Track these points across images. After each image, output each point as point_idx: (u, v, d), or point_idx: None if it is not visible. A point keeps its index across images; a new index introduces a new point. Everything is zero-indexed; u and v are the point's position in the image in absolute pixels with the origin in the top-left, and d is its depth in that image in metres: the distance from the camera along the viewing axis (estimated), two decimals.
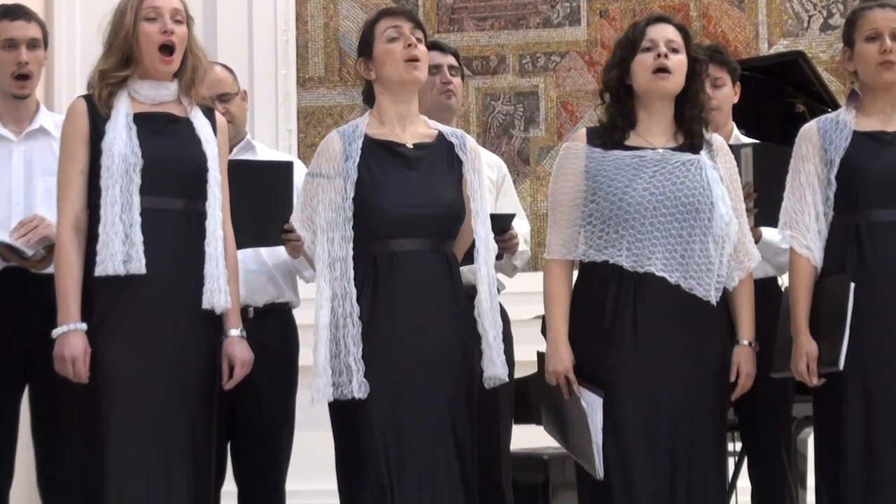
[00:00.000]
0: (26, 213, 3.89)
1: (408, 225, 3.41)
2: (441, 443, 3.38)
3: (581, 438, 3.43)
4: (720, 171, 3.48)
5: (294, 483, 4.22)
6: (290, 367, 4.12)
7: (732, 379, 3.47)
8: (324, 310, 3.37)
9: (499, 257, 3.76)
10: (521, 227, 4.08)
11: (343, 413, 3.40)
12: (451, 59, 4.18)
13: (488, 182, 4.13)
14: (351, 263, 3.39)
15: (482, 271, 3.48)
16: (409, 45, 3.45)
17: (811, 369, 3.45)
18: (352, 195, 3.41)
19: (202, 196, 3.49)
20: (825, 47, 6.07)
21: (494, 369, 3.45)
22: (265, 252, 4.05)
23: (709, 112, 3.67)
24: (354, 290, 3.37)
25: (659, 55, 3.44)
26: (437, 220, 3.44)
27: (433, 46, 4.18)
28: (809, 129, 3.57)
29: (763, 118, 4.40)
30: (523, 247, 4.05)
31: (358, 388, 3.33)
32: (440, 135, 3.55)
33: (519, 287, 4.26)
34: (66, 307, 3.40)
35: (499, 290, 4.12)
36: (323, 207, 3.43)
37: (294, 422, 4.13)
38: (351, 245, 3.39)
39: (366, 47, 3.53)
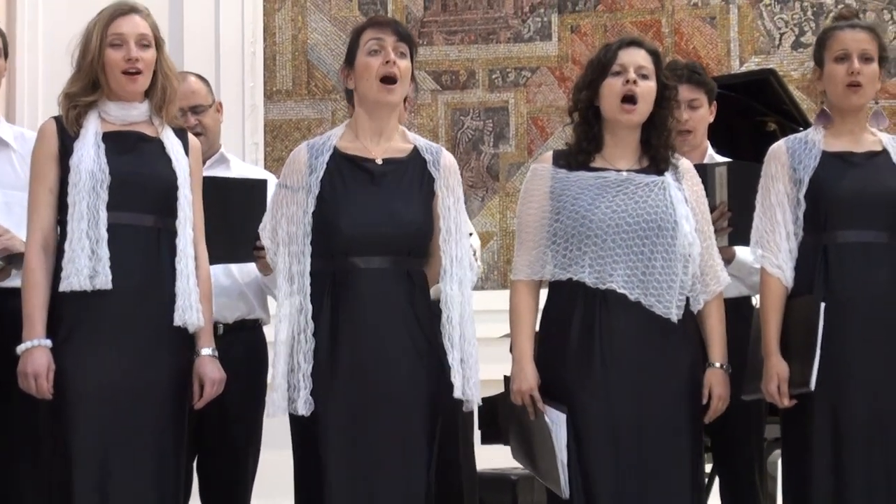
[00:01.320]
0: None
1: (365, 243, 3.38)
2: (394, 462, 3.35)
3: (546, 458, 3.42)
4: (685, 193, 3.49)
5: (259, 501, 4.17)
6: (258, 384, 4.09)
7: (704, 401, 3.46)
8: (282, 324, 3.37)
9: None
10: (472, 242, 4.05)
11: (298, 428, 3.39)
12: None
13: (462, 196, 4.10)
14: (308, 279, 3.37)
15: (449, 290, 3.43)
16: (388, 62, 3.41)
17: (782, 390, 3.45)
18: (312, 209, 3.39)
19: (172, 214, 3.48)
20: (797, 65, 6.08)
21: (459, 392, 3.40)
22: (235, 268, 4.03)
23: (678, 136, 3.70)
24: (310, 307, 3.35)
25: (628, 81, 3.45)
26: (395, 239, 3.40)
27: None
28: (778, 148, 3.59)
29: (734, 136, 4.39)
30: (476, 262, 4.01)
31: (303, 404, 3.32)
32: (415, 150, 3.51)
33: (487, 305, 4.23)
34: (32, 324, 3.39)
35: None
36: (286, 220, 3.42)
37: (260, 439, 4.09)
38: (308, 260, 3.38)
39: (350, 55, 3.50)
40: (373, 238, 3.38)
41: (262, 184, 3.89)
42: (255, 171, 4.47)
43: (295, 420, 3.38)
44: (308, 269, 3.37)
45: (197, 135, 3.93)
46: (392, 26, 3.49)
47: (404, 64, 3.44)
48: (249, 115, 6.31)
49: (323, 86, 6.36)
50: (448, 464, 3.95)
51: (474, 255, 4.01)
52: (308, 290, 3.36)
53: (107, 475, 3.35)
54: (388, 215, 3.40)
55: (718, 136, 4.15)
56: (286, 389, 3.34)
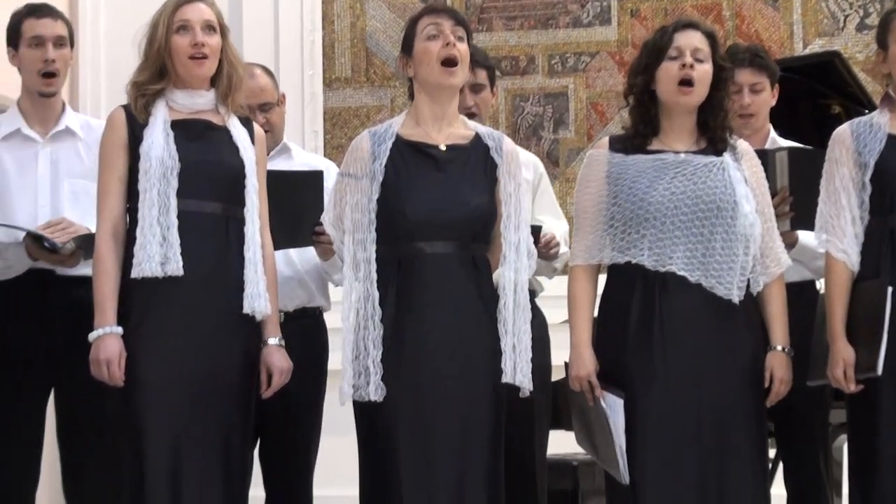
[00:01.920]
0: (52, 215, 3.88)
1: (430, 227, 3.39)
2: (463, 447, 3.35)
3: (605, 443, 3.42)
4: (745, 174, 3.48)
5: (322, 488, 4.19)
6: (319, 372, 4.11)
7: (766, 385, 3.44)
8: (350, 312, 3.38)
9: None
10: (559, 228, 4.07)
11: (365, 416, 3.39)
12: (475, 77, 4.10)
13: (524, 182, 4.10)
14: (374, 266, 3.38)
15: (507, 277, 3.43)
16: (448, 45, 3.42)
17: (848, 375, 3.42)
18: (376, 196, 3.40)
19: (240, 202, 3.51)
20: (861, 47, 6.00)
21: (509, 377, 3.40)
22: (296, 257, 4.05)
23: (740, 119, 3.71)
24: (377, 293, 3.36)
25: (684, 65, 3.43)
26: (461, 224, 3.41)
27: None
28: (842, 132, 3.55)
29: (798, 119, 4.35)
30: (563, 248, 4.00)
31: (374, 390, 3.32)
32: (477, 137, 3.52)
33: (552, 291, 4.21)
34: (103, 311, 3.42)
35: (536, 293, 4.10)
36: (350, 208, 3.43)
37: (321, 426, 4.10)
38: (374, 247, 3.38)
39: (407, 44, 3.51)
40: (439, 222, 3.38)
41: (318, 174, 3.92)
42: (317, 159, 4.49)
43: (360, 406, 3.38)
44: (374, 255, 3.37)
45: (265, 131, 3.97)
46: (448, 12, 3.52)
47: (463, 47, 3.45)
48: (309, 104, 6.32)
49: (382, 73, 6.36)
50: (523, 448, 3.96)
51: (563, 241, 4.01)
52: (374, 276, 3.36)
53: (177, 460, 3.37)
54: (453, 200, 3.40)
55: (781, 119, 4.11)
56: (351, 377, 3.34)
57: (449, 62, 3.42)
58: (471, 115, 4.00)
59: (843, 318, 3.44)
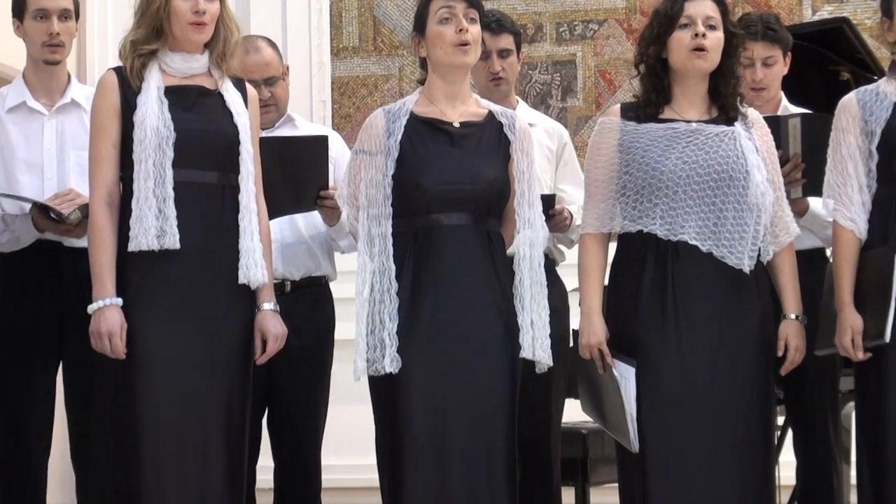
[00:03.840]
0: (59, 187, 3.88)
1: (448, 200, 3.40)
2: (480, 420, 3.36)
3: (615, 411, 3.43)
4: (756, 143, 3.48)
5: (330, 458, 4.20)
6: (326, 341, 4.11)
7: (780, 353, 3.45)
8: (365, 286, 3.38)
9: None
10: (581, 197, 4.04)
11: (381, 389, 3.39)
12: (502, 43, 4.12)
13: (547, 151, 4.11)
14: (390, 240, 3.39)
15: (522, 253, 3.44)
16: (461, 30, 3.43)
17: (856, 343, 3.42)
18: (392, 172, 3.41)
19: (235, 169, 3.48)
20: (871, 14, 5.96)
21: (526, 352, 3.41)
22: (302, 224, 4.05)
23: (752, 92, 3.71)
24: (394, 267, 3.37)
25: (697, 34, 3.42)
26: (477, 197, 3.42)
27: (485, 27, 4.13)
28: (849, 100, 3.54)
29: (807, 86, 4.33)
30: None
31: (390, 362, 3.32)
32: (490, 114, 3.53)
33: (569, 259, 4.21)
34: (102, 282, 3.39)
35: (557, 262, 4.11)
36: (364, 185, 3.43)
37: (328, 395, 4.11)
38: (390, 222, 3.39)
39: (419, 23, 3.51)
40: (456, 194, 3.40)
41: (323, 139, 3.91)
42: (321, 129, 4.48)
43: (374, 381, 3.38)
44: (389, 230, 3.39)
45: (268, 105, 3.96)
46: None
47: (476, 29, 3.46)
48: (317, 73, 6.31)
49: (390, 42, 6.34)
50: (539, 415, 3.97)
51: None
52: (391, 251, 3.38)
53: (175, 433, 3.36)
54: (469, 173, 3.42)
55: (790, 86, 4.09)
56: (365, 351, 3.34)
57: (463, 45, 3.43)
58: (498, 80, 4.01)
59: (851, 286, 3.44)
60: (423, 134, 3.45)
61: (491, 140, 3.50)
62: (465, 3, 3.47)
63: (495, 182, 3.45)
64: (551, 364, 3.46)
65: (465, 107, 3.51)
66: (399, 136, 3.43)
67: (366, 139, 3.47)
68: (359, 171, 3.46)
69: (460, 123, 3.48)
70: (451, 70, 3.48)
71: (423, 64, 3.54)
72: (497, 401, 3.38)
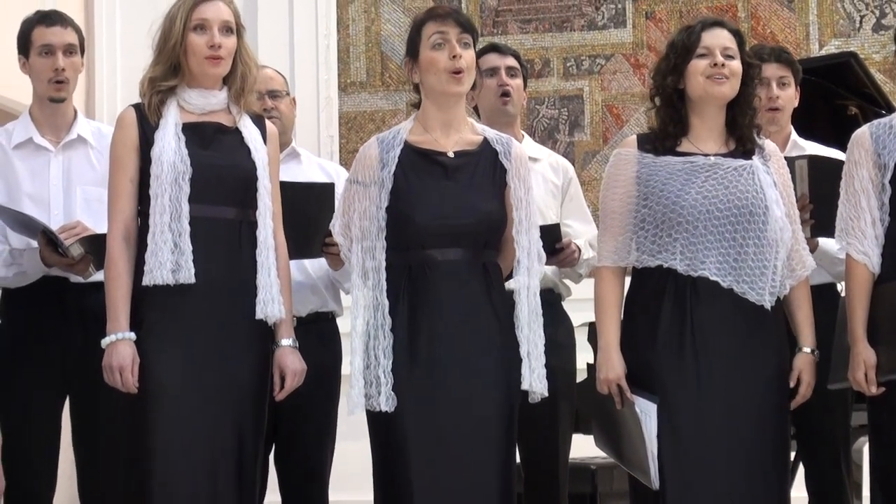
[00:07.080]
0: (66, 221, 3.86)
1: (441, 235, 3.37)
2: (474, 456, 3.33)
3: (635, 448, 3.40)
4: (773, 176, 3.47)
5: (337, 493, 4.18)
6: (333, 376, 4.10)
7: (792, 385, 3.44)
8: (358, 320, 3.36)
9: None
10: (588, 232, 4.06)
11: (377, 424, 3.37)
12: (509, 61, 4.13)
13: (552, 186, 4.09)
14: (384, 274, 3.36)
15: (521, 282, 3.42)
16: (454, 57, 3.39)
17: (869, 378, 3.40)
18: (385, 204, 3.38)
19: (253, 205, 3.48)
20: (878, 48, 5.97)
21: (524, 383, 3.39)
22: (308, 264, 4.05)
23: (768, 113, 3.69)
24: (387, 302, 3.34)
25: (715, 64, 3.42)
26: (471, 231, 3.39)
27: (491, 49, 4.14)
28: (862, 134, 3.53)
29: (815, 120, 4.33)
30: (589, 253, 3.99)
31: (385, 400, 3.30)
32: (485, 141, 3.50)
33: (575, 294, 4.20)
34: (115, 316, 3.39)
35: (563, 297, 4.09)
36: (358, 216, 3.41)
37: (336, 431, 4.10)
38: (384, 255, 3.37)
39: (412, 48, 3.49)
40: (449, 230, 3.37)
41: (330, 186, 3.90)
42: (327, 164, 4.47)
43: (373, 415, 3.36)
44: (383, 264, 3.35)
45: (272, 118, 3.94)
46: (453, 17, 3.46)
47: (469, 55, 3.42)
48: (324, 108, 6.32)
49: (397, 77, 6.35)
50: (546, 452, 3.96)
51: (589, 245, 4.00)
52: (385, 285, 3.35)
53: (187, 468, 3.34)
54: (463, 207, 3.38)
55: (798, 120, 4.09)
56: (363, 386, 3.32)
57: (457, 73, 3.40)
58: (507, 96, 4.00)
59: (864, 320, 3.42)
60: (416, 165, 3.42)
61: (486, 169, 3.46)
62: (459, 27, 3.42)
63: (490, 214, 3.41)
64: (546, 395, 3.42)
65: (459, 134, 3.47)
66: (393, 168, 3.39)
67: (360, 169, 3.44)
68: (353, 201, 3.43)
69: (455, 153, 3.44)
70: (444, 97, 3.44)
71: (417, 89, 3.51)
72: (494, 434, 3.35)
